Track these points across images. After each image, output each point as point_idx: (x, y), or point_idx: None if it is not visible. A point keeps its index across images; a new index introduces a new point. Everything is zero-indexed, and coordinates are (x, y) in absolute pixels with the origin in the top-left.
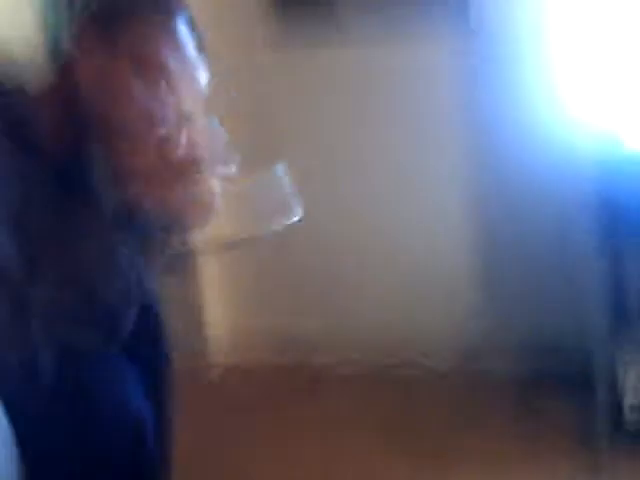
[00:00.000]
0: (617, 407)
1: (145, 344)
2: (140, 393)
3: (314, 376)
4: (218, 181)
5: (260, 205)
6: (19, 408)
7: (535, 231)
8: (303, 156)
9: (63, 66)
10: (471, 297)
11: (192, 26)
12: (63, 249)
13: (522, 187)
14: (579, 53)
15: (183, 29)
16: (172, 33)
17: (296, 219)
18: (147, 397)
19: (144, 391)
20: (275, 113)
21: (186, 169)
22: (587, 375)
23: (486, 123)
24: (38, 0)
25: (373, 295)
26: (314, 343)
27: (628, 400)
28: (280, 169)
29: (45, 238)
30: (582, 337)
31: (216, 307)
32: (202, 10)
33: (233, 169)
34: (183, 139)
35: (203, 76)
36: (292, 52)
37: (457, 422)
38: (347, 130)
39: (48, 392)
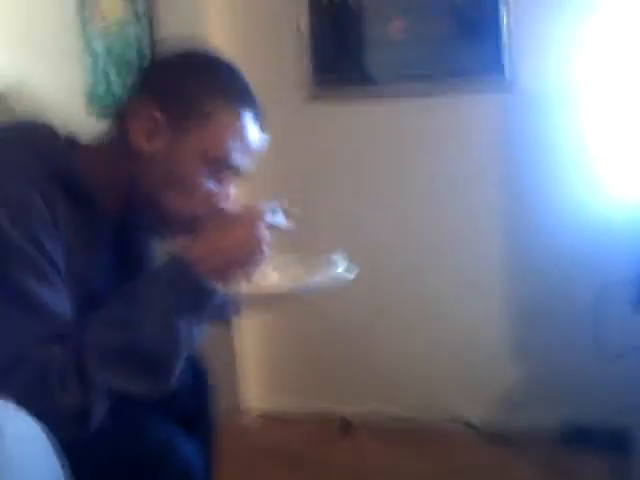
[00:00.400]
0: None
1: (193, 396)
2: (189, 442)
3: (347, 425)
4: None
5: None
6: (70, 450)
7: (571, 304)
8: (336, 213)
9: (128, 138)
10: (506, 366)
11: (260, 113)
12: (117, 304)
13: (559, 261)
14: (615, 124)
15: (252, 120)
16: (244, 128)
17: (344, 277)
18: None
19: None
20: (308, 167)
21: (245, 261)
22: (622, 449)
23: (522, 194)
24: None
25: (411, 354)
26: (347, 392)
27: None
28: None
29: (100, 291)
30: (618, 411)
31: (250, 354)
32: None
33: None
34: (244, 231)
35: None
36: (326, 106)
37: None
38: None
39: (98, 435)
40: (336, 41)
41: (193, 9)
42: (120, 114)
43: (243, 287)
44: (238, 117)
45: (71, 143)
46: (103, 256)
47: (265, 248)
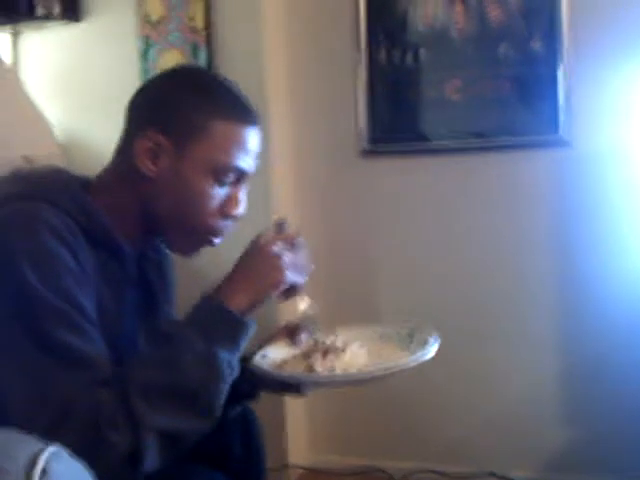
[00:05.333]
0: None
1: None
2: None
3: None
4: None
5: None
6: None
7: (624, 370)
8: (387, 268)
9: (135, 165)
10: (556, 430)
11: (255, 114)
12: (156, 344)
13: (611, 326)
14: None
15: (248, 123)
16: (242, 132)
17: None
18: None
19: None
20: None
21: (269, 282)
22: None
23: (575, 256)
24: None
25: (458, 414)
26: (393, 451)
27: None
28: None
29: (131, 325)
30: None
31: (297, 411)
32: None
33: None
34: (259, 257)
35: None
36: (380, 162)
37: None
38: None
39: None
40: (392, 99)
41: (252, 63)
42: (123, 145)
43: (336, 372)
44: (235, 124)
45: (85, 184)
46: (130, 290)
47: (284, 262)
